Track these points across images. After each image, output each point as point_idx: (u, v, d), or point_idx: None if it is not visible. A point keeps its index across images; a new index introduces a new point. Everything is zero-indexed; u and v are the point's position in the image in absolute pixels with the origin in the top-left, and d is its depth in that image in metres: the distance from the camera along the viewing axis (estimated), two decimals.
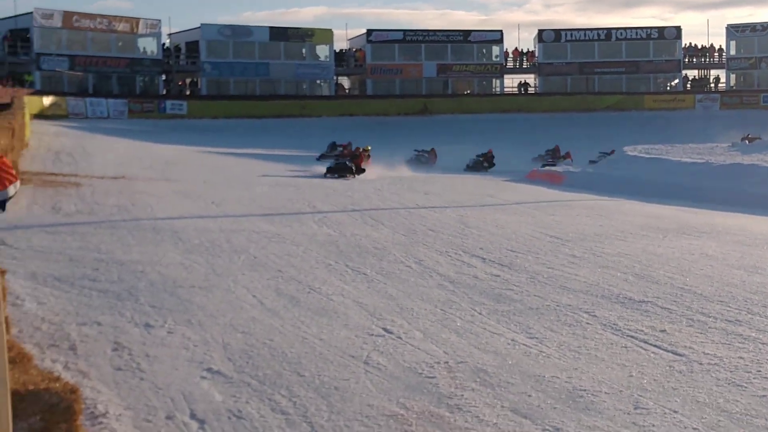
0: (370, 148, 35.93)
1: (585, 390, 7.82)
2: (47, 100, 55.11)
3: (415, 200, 23.85)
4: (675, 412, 7.34)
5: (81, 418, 6.60)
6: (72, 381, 7.45)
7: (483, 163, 43.55)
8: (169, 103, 62.59)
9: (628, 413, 7.31)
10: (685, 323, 10.32)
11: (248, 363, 8.34)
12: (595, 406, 7.44)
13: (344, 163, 33.74)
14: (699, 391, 7.84)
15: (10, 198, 2.62)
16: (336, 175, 32.37)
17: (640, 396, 7.69)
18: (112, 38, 65.15)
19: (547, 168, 39.68)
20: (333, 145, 44.38)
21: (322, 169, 34.63)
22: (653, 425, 7.06)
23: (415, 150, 43.74)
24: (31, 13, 61.56)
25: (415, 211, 21.09)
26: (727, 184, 27.18)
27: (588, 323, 10.25)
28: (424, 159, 43.28)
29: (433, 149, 44.40)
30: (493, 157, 44.07)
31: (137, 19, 66.52)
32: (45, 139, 39.11)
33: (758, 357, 8.92)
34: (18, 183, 2.61)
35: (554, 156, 46.35)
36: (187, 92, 69.50)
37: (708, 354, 9.01)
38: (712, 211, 23.16)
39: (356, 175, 32.82)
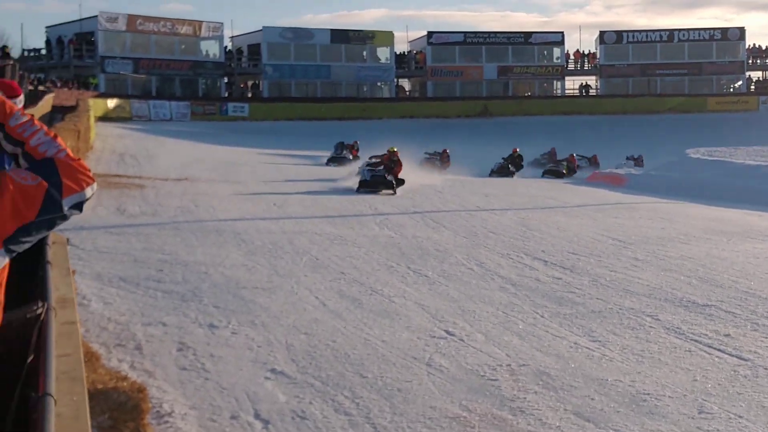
0: (396, 150, 28.61)
1: (648, 394, 7.79)
2: (111, 103, 55.76)
3: (476, 202, 23.83)
4: (740, 417, 7.29)
5: (147, 417, 6.71)
6: (138, 380, 7.57)
7: (509, 167, 39.46)
8: (230, 105, 63.06)
9: (693, 417, 7.27)
10: (750, 327, 10.23)
11: (311, 364, 8.41)
12: (658, 410, 7.41)
13: (382, 176, 26.49)
14: (764, 396, 7.77)
15: (88, 200, 2.69)
16: (370, 191, 25.86)
17: (705, 400, 7.65)
18: (175, 41, 65.76)
19: (609, 170, 39.21)
20: (341, 145, 40.43)
21: (345, 180, 29.23)
22: (718, 430, 7.02)
23: (426, 152, 39.09)
24: (96, 16, 62.30)
25: (476, 214, 21.07)
26: None
27: (651, 327, 10.20)
28: (437, 163, 38.09)
29: (445, 150, 39.32)
30: (520, 157, 40.70)
31: (200, 22, 67.06)
32: (109, 141, 39.60)
33: None
34: (95, 185, 2.67)
35: (551, 160, 42.84)
36: (249, 94, 69.95)
37: None
38: None
39: (396, 191, 26.15)
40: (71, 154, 2.89)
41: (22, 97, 4.22)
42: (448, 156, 38.98)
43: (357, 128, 54.11)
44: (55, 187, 2.70)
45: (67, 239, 6.67)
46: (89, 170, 2.90)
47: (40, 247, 4.93)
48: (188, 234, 16.05)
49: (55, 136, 2.93)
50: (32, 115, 2.98)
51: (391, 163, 27.52)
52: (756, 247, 16.59)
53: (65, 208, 2.73)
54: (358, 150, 39.59)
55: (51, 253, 4.82)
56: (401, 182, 26.76)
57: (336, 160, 38.61)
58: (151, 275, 12.22)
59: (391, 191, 25.89)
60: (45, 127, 2.96)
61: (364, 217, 19.73)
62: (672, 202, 25.95)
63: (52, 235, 5.38)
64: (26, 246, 2.67)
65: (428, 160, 38.30)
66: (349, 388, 7.72)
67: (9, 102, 2.98)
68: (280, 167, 34.26)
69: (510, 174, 38.52)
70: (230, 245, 15.01)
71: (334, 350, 8.87)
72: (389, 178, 26.44)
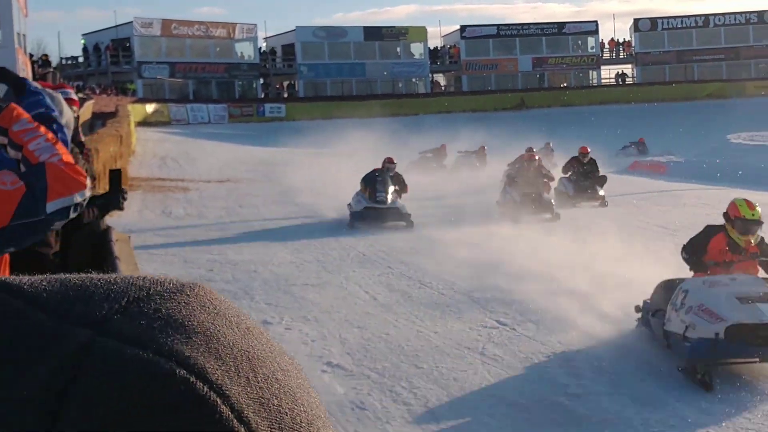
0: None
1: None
2: (150, 108, 56.03)
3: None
4: None
5: None
6: None
7: (596, 189, 22.95)
8: (267, 106, 63.18)
9: None
10: None
11: (366, 356, 8.50)
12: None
13: None
14: None
15: (78, 204, 2.66)
16: None
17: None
18: (210, 44, 66.03)
19: (650, 158, 38.77)
20: (381, 180, 19.03)
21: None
22: None
23: (458, 151, 34.25)
24: (131, 22, 62.72)
25: None
26: None
27: None
28: (474, 160, 32.24)
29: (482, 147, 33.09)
30: (594, 163, 24.06)
31: (234, 24, 67.30)
32: (149, 145, 39.82)
33: None
34: (87, 191, 2.63)
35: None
36: (285, 95, 70.14)
37: None
38: None
39: None
40: (66, 159, 2.92)
41: (72, 92, 4.23)
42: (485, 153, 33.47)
43: (393, 124, 54.14)
44: (40, 190, 2.69)
45: (128, 236, 6.78)
46: (84, 176, 2.92)
47: (105, 244, 5.05)
48: (235, 234, 16.20)
49: (56, 143, 2.98)
50: (39, 124, 3.03)
51: None
52: None
53: (47, 212, 2.71)
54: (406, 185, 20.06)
55: (116, 249, 4.92)
56: None
57: (367, 217, 17.66)
58: (201, 275, 12.35)
59: None
60: (50, 135, 3.00)
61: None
62: (716, 187, 25.77)
63: (115, 233, 5.48)
64: (3, 253, 2.70)
65: (464, 157, 33.65)
66: (406, 379, 7.80)
67: (19, 109, 3.04)
68: (320, 166, 34.32)
69: (597, 199, 22.68)
70: (277, 244, 15.14)
71: (388, 342, 8.96)
72: None
